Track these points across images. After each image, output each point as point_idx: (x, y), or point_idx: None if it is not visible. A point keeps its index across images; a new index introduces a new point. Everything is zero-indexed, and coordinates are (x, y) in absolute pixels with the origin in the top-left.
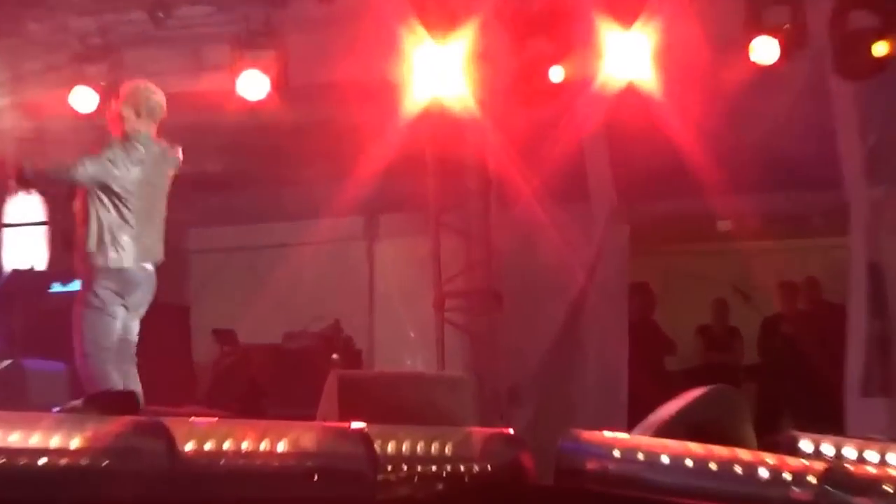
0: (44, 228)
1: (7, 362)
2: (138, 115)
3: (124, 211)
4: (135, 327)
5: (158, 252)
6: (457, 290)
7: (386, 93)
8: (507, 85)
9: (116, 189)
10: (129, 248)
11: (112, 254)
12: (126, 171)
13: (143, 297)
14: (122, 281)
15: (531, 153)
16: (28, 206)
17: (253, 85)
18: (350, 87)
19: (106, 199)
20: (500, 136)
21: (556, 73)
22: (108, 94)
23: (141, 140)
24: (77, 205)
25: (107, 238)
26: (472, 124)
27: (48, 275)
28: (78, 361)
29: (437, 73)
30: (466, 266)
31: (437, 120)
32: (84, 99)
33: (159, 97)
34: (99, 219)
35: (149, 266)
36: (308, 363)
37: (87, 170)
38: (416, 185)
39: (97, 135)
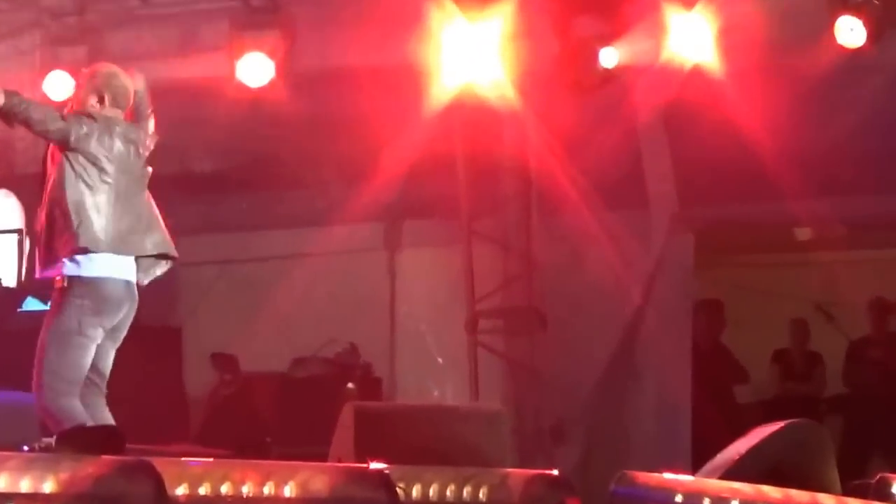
0: (15, 237)
1: None
2: (101, 101)
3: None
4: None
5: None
6: (492, 309)
7: (409, 80)
8: (551, 70)
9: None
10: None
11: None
12: (110, 142)
13: (124, 318)
14: (100, 297)
15: (579, 150)
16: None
17: (254, 70)
18: (367, 73)
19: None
20: (542, 130)
21: (608, 57)
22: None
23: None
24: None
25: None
26: (509, 116)
27: (18, 291)
28: (35, 392)
29: (470, 56)
30: (503, 281)
31: (469, 111)
32: (59, 85)
33: (124, 80)
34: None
35: (129, 278)
36: (319, 394)
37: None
38: (444, 187)
39: None
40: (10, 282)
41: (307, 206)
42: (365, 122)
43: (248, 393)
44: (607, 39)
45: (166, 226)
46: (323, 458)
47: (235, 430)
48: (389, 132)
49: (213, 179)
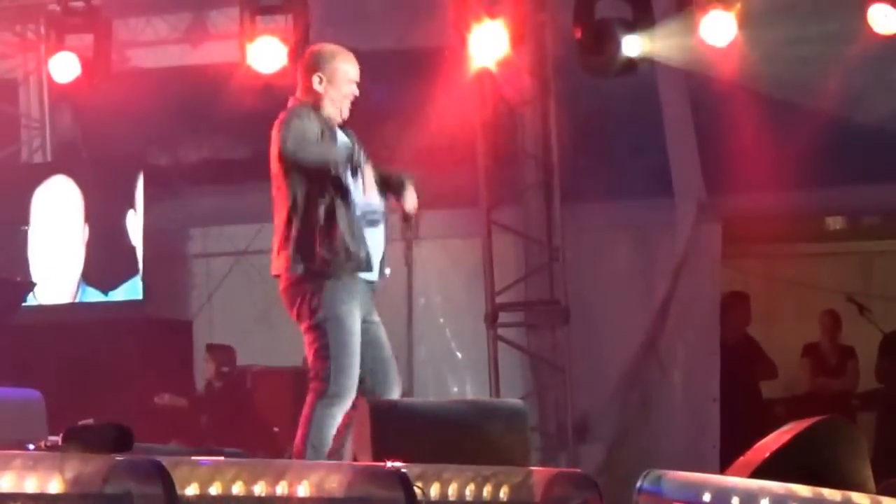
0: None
1: None
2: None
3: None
4: None
5: None
6: (513, 302)
7: (427, 65)
8: (574, 57)
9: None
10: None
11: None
12: None
13: None
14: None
15: (601, 138)
16: None
17: (266, 55)
18: (383, 59)
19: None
20: (564, 117)
21: (631, 45)
22: (93, 66)
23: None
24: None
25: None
26: (531, 103)
27: (21, 284)
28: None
29: (491, 43)
30: (524, 273)
31: (489, 99)
32: (65, 67)
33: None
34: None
35: None
36: None
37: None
38: (463, 176)
39: None
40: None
41: None
42: (380, 109)
43: (241, 384)
44: (631, 26)
45: (180, 217)
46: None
47: (238, 425)
48: (406, 119)
49: (227, 169)
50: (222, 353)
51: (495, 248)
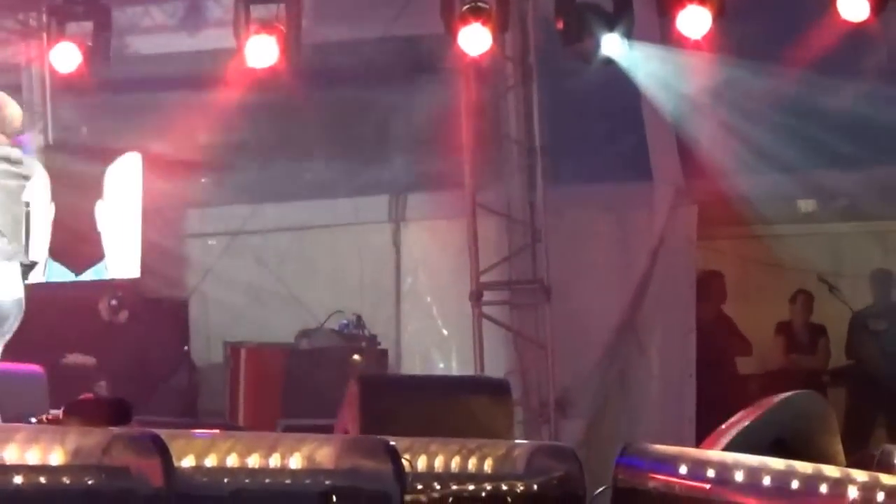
0: None
1: None
2: None
3: None
4: None
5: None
6: (497, 282)
7: (414, 52)
8: (556, 42)
9: None
10: None
11: None
12: None
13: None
14: None
15: (583, 121)
16: None
17: (261, 46)
18: (371, 47)
19: None
20: (547, 100)
21: (609, 42)
22: (93, 53)
23: None
24: None
25: None
26: (514, 89)
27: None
28: None
29: (474, 26)
30: (508, 253)
31: (473, 82)
32: (66, 57)
33: (13, 110)
34: None
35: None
36: (325, 365)
37: None
38: (449, 159)
39: None
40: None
41: (313, 179)
42: (370, 95)
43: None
44: (610, 21)
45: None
46: (329, 430)
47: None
48: (394, 104)
49: (220, 152)
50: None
51: (480, 230)
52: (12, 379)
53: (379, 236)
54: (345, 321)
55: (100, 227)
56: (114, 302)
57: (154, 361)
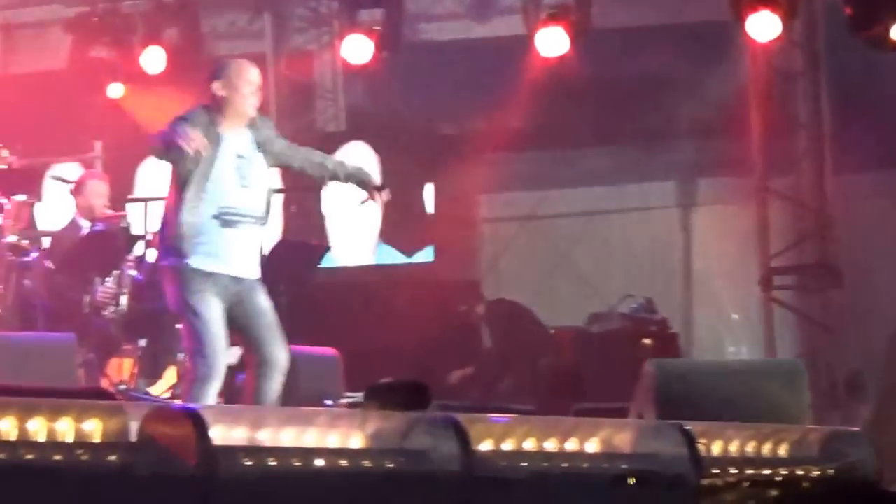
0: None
1: None
2: None
3: None
4: None
5: None
6: (786, 266)
7: (705, 38)
8: (845, 29)
9: None
10: None
11: None
12: None
13: None
14: None
15: (873, 109)
16: None
17: (552, 38)
18: (660, 33)
19: None
20: (836, 87)
21: None
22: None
23: None
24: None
25: None
26: (803, 75)
27: (317, 247)
28: None
29: (763, 13)
30: (797, 238)
31: (762, 70)
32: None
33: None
34: None
35: None
36: (617, 349)
37: None
38: (738, 144)
39: None
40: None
41: (603, 165)
42: (658, 82)
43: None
44: None
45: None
46: (621, 412)
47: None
48: (683, 93)
49: (513, 138)
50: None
51: (770, 215)
52: (310, 361)
53: (667, 221)
54: (635, 305)
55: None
56: None
57: (447, 343)
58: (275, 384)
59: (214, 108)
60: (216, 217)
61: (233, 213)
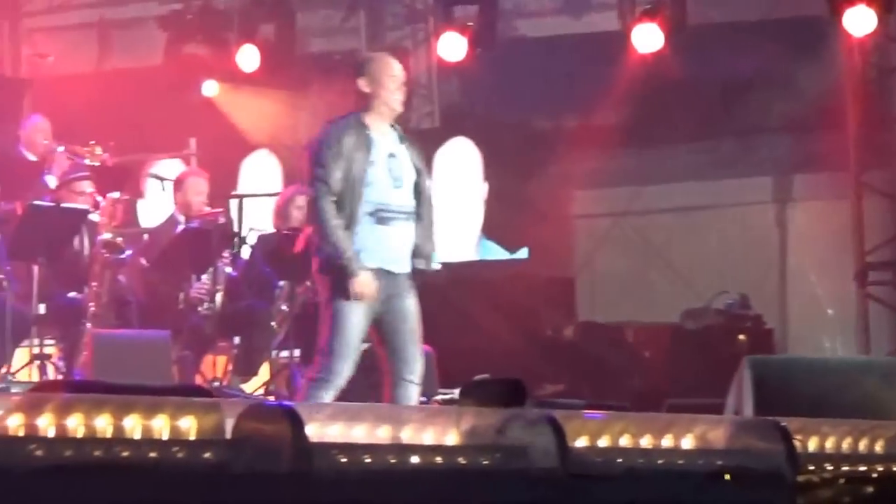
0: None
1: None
2: None
3: None
4: None
5: None
6: (882, 262)
7: (800, 34)
8: None
9: None
10: None
11: None
12: None
13: None
14: None
15: None
16: None
17: (647, 33)
18: (753, 29)
19: None
20: None
21: None
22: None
23: None
24: None
25: None
26: None
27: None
28: None
29: (860, 7)
30: (893, 233)
31: (858, 65)
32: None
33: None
34: None
35: None
36: (710, 345)
37: None
38: (834, 140)
39: None
40: None
41: (698, 161)
42: (753, 77)
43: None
44: None
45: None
46: (716, 408)
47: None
48: (778, 88)
49: (607, 134)
50: None
51: (865, 210)
52: None
53: (763, 216)
54: (730, 301)
55: None
56: None
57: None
58: (411, 393)
59: (361, 107)
60: (371, 214)
61: (387, 210)
